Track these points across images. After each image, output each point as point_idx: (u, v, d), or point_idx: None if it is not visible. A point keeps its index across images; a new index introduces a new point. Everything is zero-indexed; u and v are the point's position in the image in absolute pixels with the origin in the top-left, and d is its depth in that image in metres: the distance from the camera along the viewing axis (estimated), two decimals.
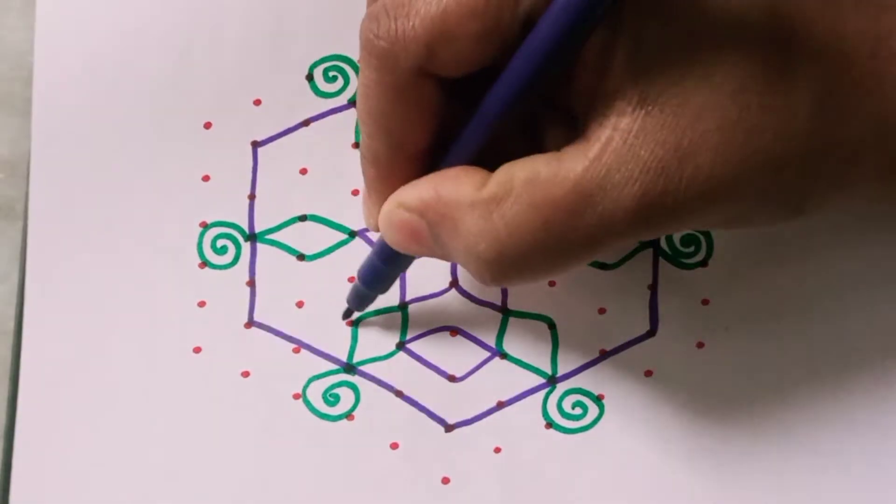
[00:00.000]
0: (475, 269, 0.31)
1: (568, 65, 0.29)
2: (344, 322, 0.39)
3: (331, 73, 0.40)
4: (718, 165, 0.29)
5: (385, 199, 0.33)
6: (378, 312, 0.39)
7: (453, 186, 0.31)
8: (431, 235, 0.32)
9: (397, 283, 0.39)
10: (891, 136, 0.30)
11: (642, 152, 0.28)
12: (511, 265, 0.30)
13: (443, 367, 0.39)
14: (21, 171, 0.40)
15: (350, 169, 0.39)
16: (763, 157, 0.29)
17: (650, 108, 0.28)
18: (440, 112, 0.32)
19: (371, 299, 0.38)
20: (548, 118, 0.33)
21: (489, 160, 0.31)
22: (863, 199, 0.32)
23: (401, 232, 0.32)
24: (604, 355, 0.39)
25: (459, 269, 0.39)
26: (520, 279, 0.31)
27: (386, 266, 0.36)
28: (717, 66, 0.29)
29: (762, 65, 0.29)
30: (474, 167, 0.31)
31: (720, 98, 0.29)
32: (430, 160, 0.32)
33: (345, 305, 0.38)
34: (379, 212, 0.33)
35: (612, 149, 0.29)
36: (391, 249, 0.34)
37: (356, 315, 0.39)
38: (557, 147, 0.30)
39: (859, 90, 0.29)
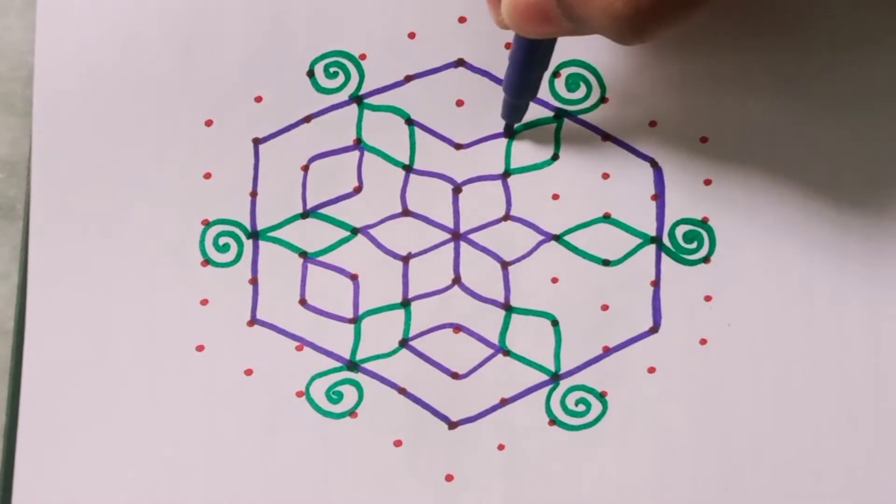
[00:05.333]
0: (613, 26, 0.31)
1: None
2: (506, 137, 0.39)
3: (332, 69, 0.40)
4: None
5: None
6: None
7: None
8: (560, 8, 0.32)
9: (400, 279, 0.39)
10: None
11: None
12: (649, 17, 0.30)
13: (446, 365, 0.39)
14: (21, 171, 0.40)
15: (352, 165, 0.39)
16: None
17: None
18: None
19: (524, 108, 0.38)
20: None
21: None
22: None
23: (527, 14, 0.33)
24: (607, 352, 0.39)
25: (462, 265, 0.39)
26: (658, 31, 0.31)
27: (525, 70, 0.36)
28: None
29: None
30: None
31: None
32: None
33: None
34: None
35: None
36: (524, 51, 0.34)
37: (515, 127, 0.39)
38: None
39: None
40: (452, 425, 0.38)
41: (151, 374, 0.39)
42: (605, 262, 0.39)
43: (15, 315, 0.39)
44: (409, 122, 0.40)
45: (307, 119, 0.40)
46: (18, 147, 0.41)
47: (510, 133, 0.39)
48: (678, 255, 0.39)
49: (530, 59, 0.36)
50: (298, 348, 0.39)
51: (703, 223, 0.39)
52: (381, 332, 0.39)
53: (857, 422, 0.38)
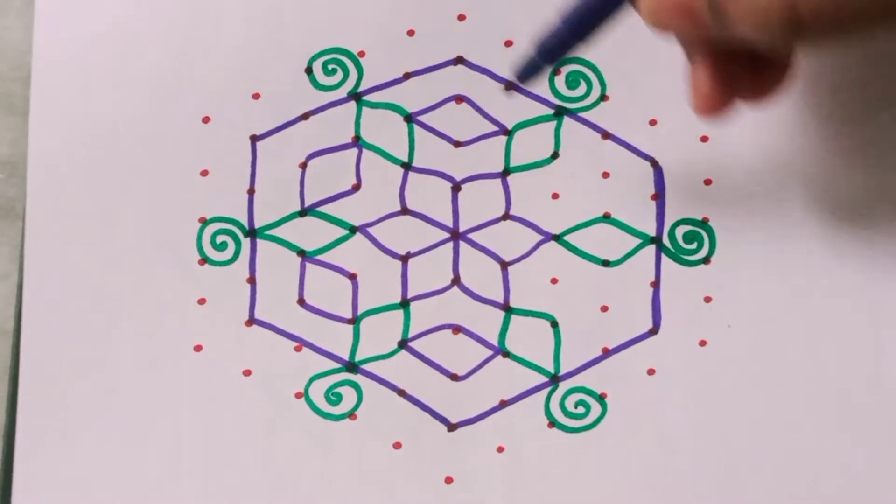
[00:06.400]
0: (765, 29, 0.30)
1: None
2: (504, 90, 0.39)
3: (330, 66, 0.39)
4: None
5: None
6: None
7: None
8: (709, 5, 0.30)
9: (399, 279, 0.39)
10: None
11: None
12: (804, 23, 0.29)
13: (445, 366, 0.39)
14: (21, 171, 0.39)
15: (350, 163, 0.39)
16: None
17: None
18: None
19: (542, 70, 0.35)
20: None
21: None
22: None
23: (672, 5, 0.31)
24: (606, 353, 0.39)
25: (462, 265, 0.39)
26: (810, 38, 0.30)
27: (573, 37, 0.33)
28: None
29: None
30: None
31: None
32: None
33: None
34: None
35: None
36: (587, 17, 0.32)
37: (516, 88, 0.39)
38: None
39: None
40: (452, 427, 0.38)
41: (149, 375, 0.38)
42: (605, 263, 0.39)
43: (15, 315, 0.39)
44: (408, 119, 0.39)
45: (305, 116, 0.39)
46: (18, 147, 0.41)
47: (510, 88, 0.38)
48: (678, 256, 0.39)
49: (586, 27, 0.33)
50: (297, 349, 0.39)
51: (704, 223, 0.39)
52: (380, 333, 0.39)
53: (856, 422, 0.38)
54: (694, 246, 0.39)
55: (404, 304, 0.39)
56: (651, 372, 0.38)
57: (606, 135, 0.39)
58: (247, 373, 0.39)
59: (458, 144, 0.39)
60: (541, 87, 0.39)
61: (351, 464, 0.38)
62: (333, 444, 0.38)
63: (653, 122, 0.39)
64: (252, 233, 0.39)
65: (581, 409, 0.38)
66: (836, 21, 0.30)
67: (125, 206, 0.39)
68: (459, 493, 0.38)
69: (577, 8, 0.33)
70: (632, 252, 0.39)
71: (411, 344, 0.39)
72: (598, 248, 0.39)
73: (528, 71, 0.35)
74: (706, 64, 0.33)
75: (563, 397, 0.38)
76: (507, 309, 0.39)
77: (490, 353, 0.39)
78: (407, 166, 0.39)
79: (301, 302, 0.39)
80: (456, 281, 0.39)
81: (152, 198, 0.39)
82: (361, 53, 0.39)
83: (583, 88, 0.39)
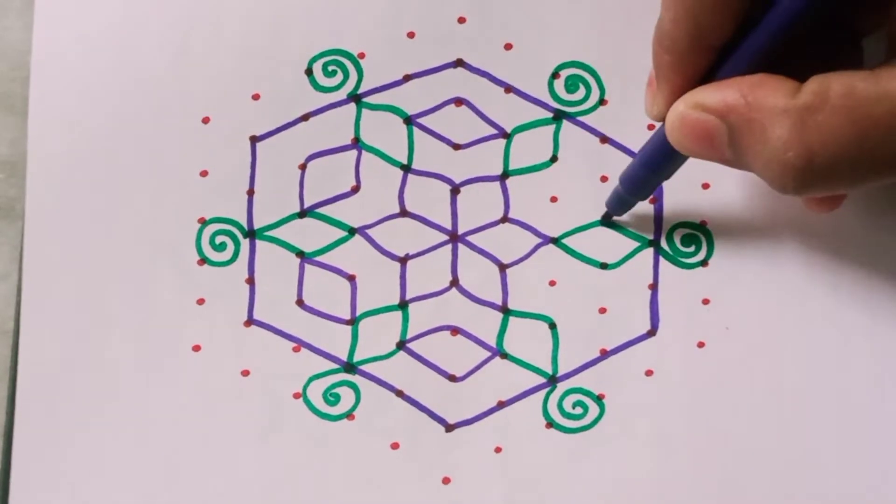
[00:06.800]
0: (778, 175, 0.31)
1: None
2: (601, 224, 0.39)
3: (330, 68, 0.40)
4: None
5: (674, 88, 0.33)
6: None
7: (762, 92, 0.31)
8: (728, 140, 0.32)
9: (398, 281, 0.39)
10: None
11: None
12: (817, 175, 0.30)
13: (443, 367, 0.39)
14: (21, 171, 0.39)
15: (350, 164, 0.39)
16: None
17: None
18: (746, 6, 0.31)
19: (631, 204, 0.38)
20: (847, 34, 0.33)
21: (779, 66, 0.31)
22: None
23: (693, 133, 0.32)
24: (604, 355, 0.39)
25: (460, 267, 0.39)
26: (822, 189, 0.31)
27: (650, 173, 0.36)
28: None
29: None
30: (778, 75, 0.31)
31: None
32: (723, 58, 0.32)
33: None
34: (664, 101, 0.33)
35: None
36: (659, 157, 0.35)
37: (613, 219, 0.39)
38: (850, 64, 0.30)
39: None
40: (449, 428, 0.38)
41: (148, 375, 0.38)
42: (604, 266, 0.39)
43: (15, 315, 0.39)
44: (408, 121, 0.40)
45: (305, 117, 0.40)
46: (18, 147, 0.41)
47: (608, 220, 0.39)
48: (676, 259, 0.39)
49: (663, 166, 0.36)
50: (296, 349, 0.39)
51: (702, 227, 0.39)
52: (379, 334, 0.39)
53: (855, 423, 0.38)
54: (692, 249, 0.39)
55: (403, 305, 0.39)
56: (649, 373, 0.38)
57: (605, 139, 0.39)
58: (245, 373, 0.39)
59: (457, 147, 0.40)
60: (540, 90, 0.39)
61: (349, 464, 0.38)
62: (331, 445, 0.38)
63: (651, 127, 0.39)
64: (251, 233, 0.39)
65: (579, 410, 0.38)
66: (850, 178, 0.31)
67: (125, 206, 0.39)
68: (457, 493, 0.38)
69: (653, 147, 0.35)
70: (630, 255, 0.39)
71: (410, 345, 0.39)
72: (596, 250, 0.39)
73: (620, 204, 0.38)
74: None
75: (561, 398, 0.38)
76: (506, 311, 0.39)
77: (488, 354, 0.39)
78: (406, 168, 0.39)
79: (300, 303, 0.39)
80: (454, 283, 0.39)
81: (152, 198, 0.39)
82: (361, 55, 0.40)
83: (582, 92, 0.40)
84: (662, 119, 0.34)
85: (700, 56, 0.32)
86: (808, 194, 0.33)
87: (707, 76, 0.32)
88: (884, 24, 0.33)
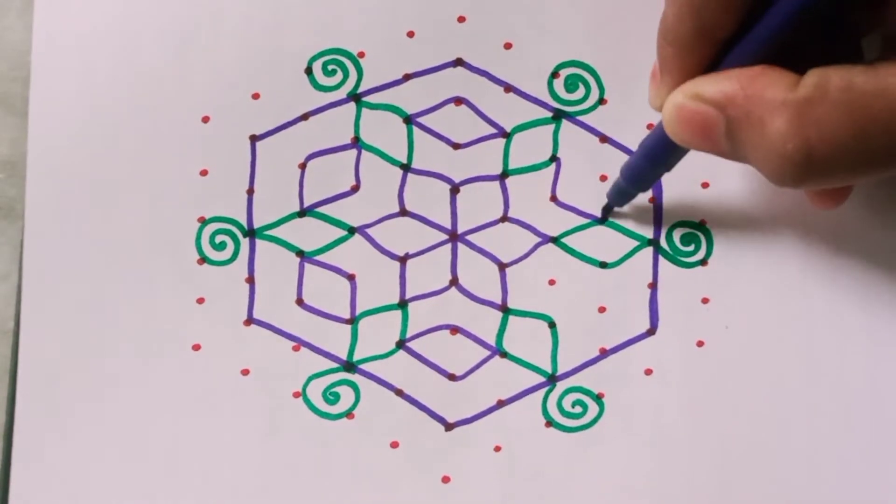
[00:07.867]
0: (776, 168, 0.31)
1: None
2: (601, 220, 0.39)
3: (330, 67, 0.40)
4: None
5: (677, 80, 0.33)
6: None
7: (761, 84, 0.31)
8: (726, 131, 0.31)
9: (398, 280, 0.39)
10: None
11: None
12: (816, 169, 0.30)
13: (443, 366, 0.39)
14: (21, 170, 0.39)
15: (349, 164, 0.39)
16: None
17: None
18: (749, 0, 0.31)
19: (632, 196, 0.38)
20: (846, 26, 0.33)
21: (779, 60, 0.31)
22: None
23: (690, 124, 0.32)
24: (604, 354, 0.39)
25: (459, 266, 0.39)
26: (819, 183, 0.31)
27: (651, 165, 0.36)
28: None
29: None
30: (778, 67, 0.31)
31: None
32: (727, 49, 0.32)
33: None
34: (667, 93, 0.33)
35: None
36: (660, 148, 0.34)
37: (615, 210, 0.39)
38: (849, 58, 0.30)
39: None
40: (449, 427, 0.38)
41: (148, 374, 0.38)
42: (603, 265, 0.39)
43: (15, 315, 0.39)
44: (408, 120, 0.40)
45: (305, 117, 0.40)
46: (18, 147, 0.41)
47: (606, 214, 0.39)
48: (675, 258, 0.39)
49: (664, 158, 0.36)
50: (295, 348, 0.39)
51: (701, 226, 0.39)
52: (379, 333, 0.39)
53: (853, 424, 0.38)
54: (691, 248, 0.39)
55: (402, 304, 0.39)
56: (648, 372, 0.39)
57: (604, 138, 0.40)
58: (245, 372, 0.39)
59: (457, 146, 0.40)
60: (539, 90, 0.39)
61: (348, 463, 0.38)
62: (331, 444, 0.38)
63: (650, 126, 0.39)
64: (251, 233, 0.39)
65: (578, 409, 0.38)
66: (848, 171, 0.30)
67: (124, 205, 0.39)
68: (456, 492, 0.38)
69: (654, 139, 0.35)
70: (629, 254, 0.39)
71: (409, 344, 0.39)
72: (595, 250, 0.39)
73: (621, 196, 0.38)
74: None
75: (561, 397, 0.38)
76: (505, 310, 0.39)
77: (488, 353, 0.39)
78: (406, 167, 0.39)
79: (299, 302, 0.39)
80: (454, 282, 0.39)
81: (151, 197, 0.39)
82: (361, 54, 0.40)
83: (581, 92, 0.40)
84: None
85: (703, 49, 0.32)
86: (806, 187, 0.33)
87: (710, 69, 0.32)
88: (883, 22, 0.33)
